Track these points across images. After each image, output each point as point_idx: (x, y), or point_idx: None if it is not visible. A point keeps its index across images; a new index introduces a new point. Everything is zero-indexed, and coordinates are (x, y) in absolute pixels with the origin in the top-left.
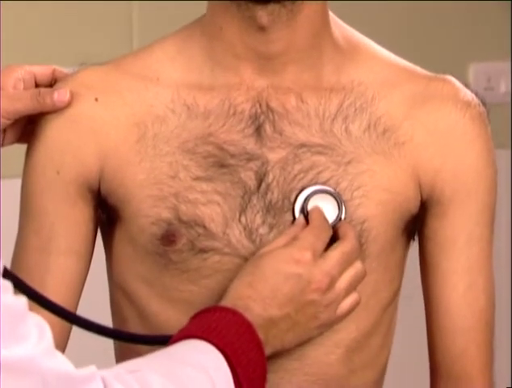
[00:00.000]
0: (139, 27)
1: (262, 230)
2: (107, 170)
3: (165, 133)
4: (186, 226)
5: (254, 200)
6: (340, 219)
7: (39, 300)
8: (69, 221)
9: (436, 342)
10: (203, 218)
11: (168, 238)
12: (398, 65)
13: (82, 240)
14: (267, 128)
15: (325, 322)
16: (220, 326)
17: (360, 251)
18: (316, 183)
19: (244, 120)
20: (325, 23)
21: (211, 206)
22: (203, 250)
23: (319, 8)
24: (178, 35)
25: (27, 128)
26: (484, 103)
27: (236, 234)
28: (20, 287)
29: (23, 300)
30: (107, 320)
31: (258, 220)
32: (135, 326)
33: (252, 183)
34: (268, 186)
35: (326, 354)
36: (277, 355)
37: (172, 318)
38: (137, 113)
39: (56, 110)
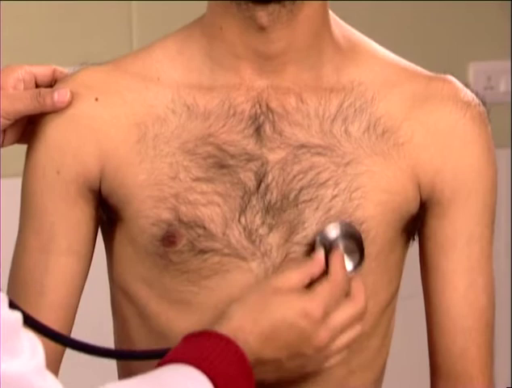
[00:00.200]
0: (139, 27)
1: (262, 231)
2: (107, 170)
3: (165, 134)
4: (186, 227)
5: (254, 200)
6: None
7: (35, 326)
8: (69, 220)
9: (436, 342)
10: (203, 219)
11: (168, 238)
12: (398, 65)
13: (83, 240)
14: (267, 128)
15: (309, 370)
16: (213, 354)
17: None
18: (343, 221)
19: (244, 120)
20: (325, 23)
21: (211, 207)
22: (203, 251)
23: (319, 8)
24: (178, 36)
25: (28, 128)
26: (484, 103)
27: (235, 235)
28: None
29: (17, 314)
30: (106, 320)
31: (258, 220)
32: (135, 327)
33: (251, 183)
34: (267, 186)
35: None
36: None
37: (172, 318)
38: (137, 113)
39: (57, 110)
